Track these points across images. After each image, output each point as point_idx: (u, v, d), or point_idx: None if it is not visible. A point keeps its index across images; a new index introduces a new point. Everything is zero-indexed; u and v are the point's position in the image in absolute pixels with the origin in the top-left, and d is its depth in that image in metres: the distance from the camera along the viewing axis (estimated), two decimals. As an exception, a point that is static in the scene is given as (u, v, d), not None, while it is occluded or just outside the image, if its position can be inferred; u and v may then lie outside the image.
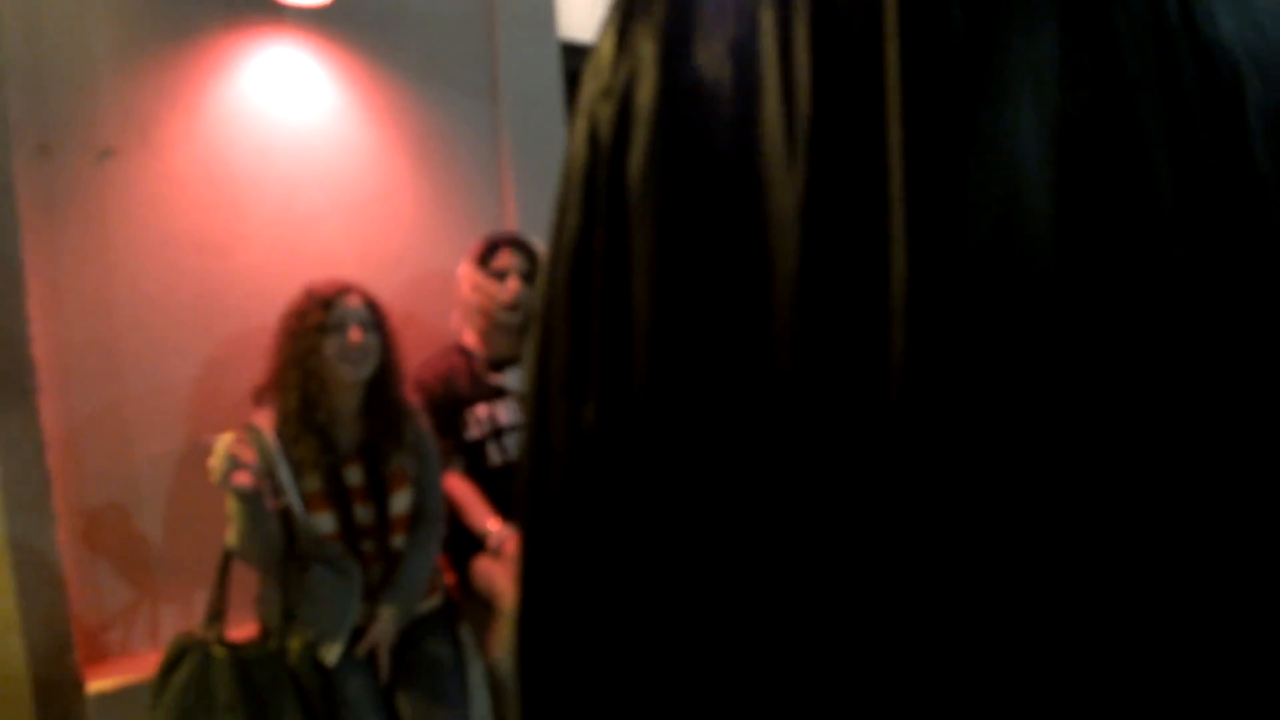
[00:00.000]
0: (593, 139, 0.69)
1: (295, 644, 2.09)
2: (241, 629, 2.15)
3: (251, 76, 2.51)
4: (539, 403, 0.70)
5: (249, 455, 1.95)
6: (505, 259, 2.54)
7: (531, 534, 0.72)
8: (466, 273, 2.57)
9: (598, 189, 0.66)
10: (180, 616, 2.43)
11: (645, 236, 0.63)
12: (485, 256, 2.54)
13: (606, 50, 0.69)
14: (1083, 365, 0.53)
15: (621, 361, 0.65)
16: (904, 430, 0.53)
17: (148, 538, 2.40)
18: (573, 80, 3.27)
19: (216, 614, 2.13)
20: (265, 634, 2.16)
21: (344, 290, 2.21)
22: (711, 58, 0.64)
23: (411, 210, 2.79)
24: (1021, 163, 0.55)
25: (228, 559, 2.12)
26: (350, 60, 2.68)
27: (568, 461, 0.68)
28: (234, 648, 2.06)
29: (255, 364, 2.46)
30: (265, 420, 2.16)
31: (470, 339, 2.64)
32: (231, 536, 2.04)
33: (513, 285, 2.53)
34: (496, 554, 2.41)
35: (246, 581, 2.21)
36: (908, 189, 0.55)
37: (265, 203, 2.53)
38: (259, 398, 2.22)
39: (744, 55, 0.62)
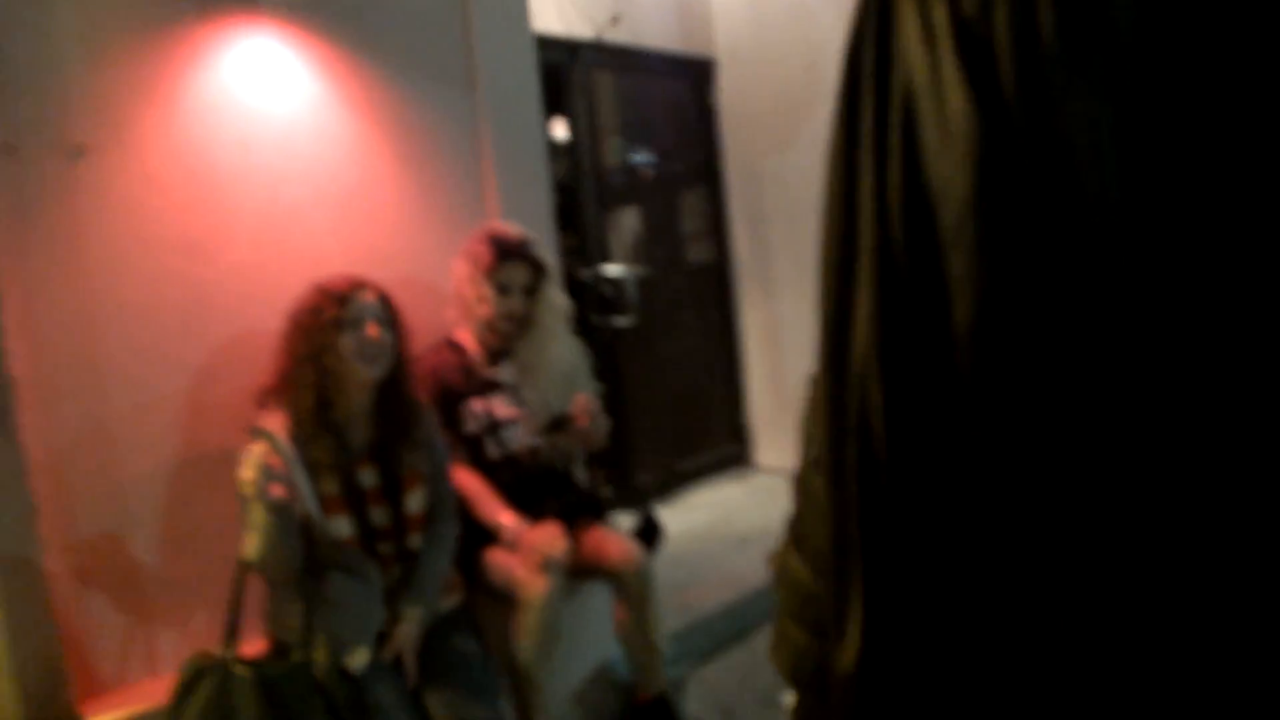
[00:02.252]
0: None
1: (320, 655, 2.00)
2: (247, 645, 2.04)
3: (228, 68, 2.40)
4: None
5: (281, 465, 1.86)
6: (511, 273, 2.51)
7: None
8: (467, 274, 2.51)
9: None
10: (179, 640, 2.30)
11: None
12: (493, 268, 2.48)
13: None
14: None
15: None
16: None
17: (141, 560, 2.26)
18: (545, 72, 3.23)
19: (233, 631, 2.03)
20: (283, 648, 2.07)
21: (359, 285, 2.13)
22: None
23: (395, 203, 2.71)
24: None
25: (243, 574, 2.01)
26: (327, 50, 2.58)
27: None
28: (256, 665, 1.96)
29: (247, 369, 2.35)
30: (275, 423, 2.06)
31: (464, 335, 2.59)
32: (253, 549, 1.93)
33: (517, 301, 2.53)
34: (513, 546, 2.36)
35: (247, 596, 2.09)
36: None
37: (248, 199, 2.42)
38: (264, 399, 2.12)
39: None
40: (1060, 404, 0.68)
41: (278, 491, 1.85)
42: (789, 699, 1.75)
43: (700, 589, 3.38)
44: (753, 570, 3.53)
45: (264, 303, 2.42)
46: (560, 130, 4.22)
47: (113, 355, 2.23)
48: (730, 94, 4.97)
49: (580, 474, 2.80)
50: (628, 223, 4.75)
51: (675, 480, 4.60)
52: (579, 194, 4.26)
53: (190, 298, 2.33)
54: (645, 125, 4.87)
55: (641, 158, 4.86)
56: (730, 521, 4.17)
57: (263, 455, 1.85)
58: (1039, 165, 0.67)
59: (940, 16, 0.70)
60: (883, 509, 0.73)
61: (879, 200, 0.75)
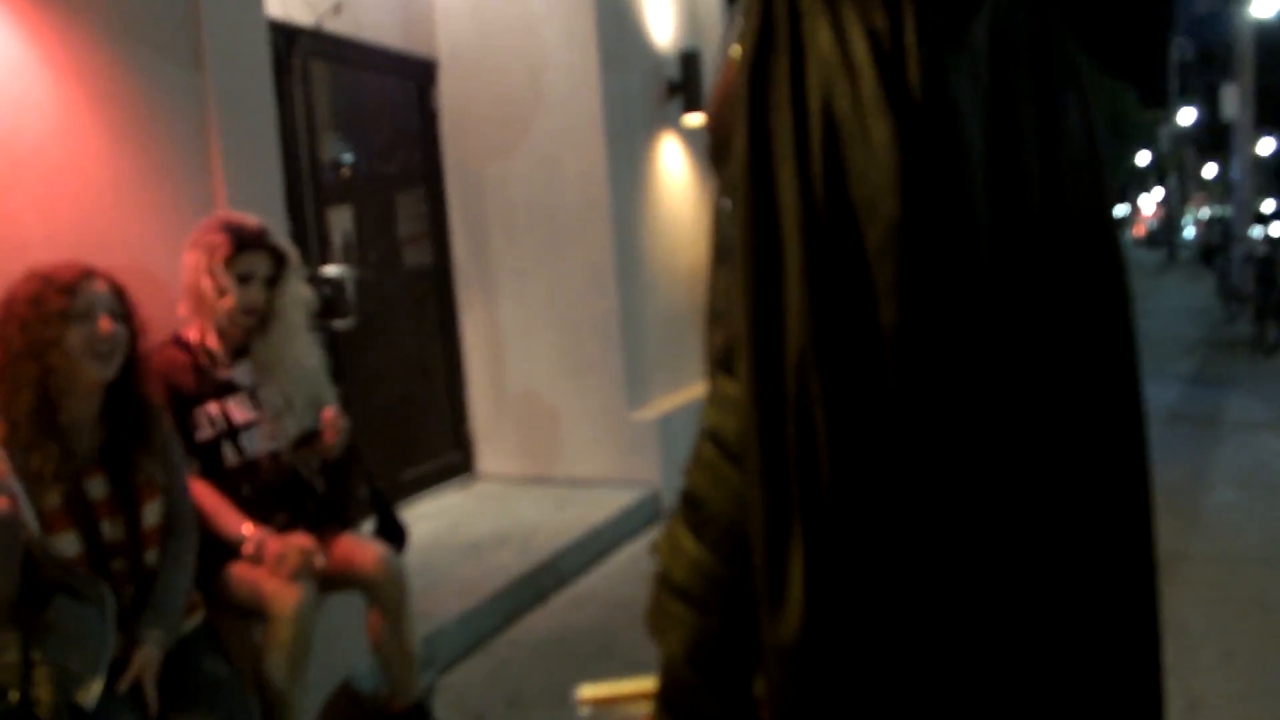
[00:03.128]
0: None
1: (43, 693, 1.75)
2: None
3: (-94, 14, 2.04)
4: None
5: (4, 474, 1.62)
6: (252, 262, 2.34)
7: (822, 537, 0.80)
8: (204, 266, 2.30)
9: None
10: None
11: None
12: (231, 257, 2.30)
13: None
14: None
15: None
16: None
17: None
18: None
19: (-70, 673, 1.73)
20: (-3, 688, 1.79)
21: (87, 274, 1.90)
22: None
23: (109, 185, 2.43)
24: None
25: (-56, 602, 1.72)
26: (28, 5, 2.27)
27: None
28: (-41, 711, 1.69)
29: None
30: (-16, 427, 1.79)
31: (194, 333, 2.38)
32: (-40, 572, 1.66)
33: (259, 291, 2.37)
34: (257, 559, 2.20)
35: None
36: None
37: (-70, 169, 2.07)
38: (-35, 402, 1.83)
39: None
40: (968, 389, 0.78)
41: (2, 504, 1.61)
42: (584, 693, 1.77)
43: (436, 597, 3.31)
44: (487, 577, 3.52)
45: (-50, 290, 2.08)
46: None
47: None
48: (451, 96, 4.92)
49: (318, 480, 2.65)
50: (342, 223, 4.56)
51: (398, 490, 4.46)
52: (297, 190, 4.03)
53: None
54: (363, 122, 4.71)
55: (358, 156, 4.69)
56: (458, 530, 4.13)
57: None
58: (951, 187, 0.77)
59: (855, 33, 0.77)
60: (822, 486, 0.79)
61: (806, 213, 0.81)
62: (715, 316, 0.97)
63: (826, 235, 0.79)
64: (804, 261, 0.79)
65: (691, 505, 0.96)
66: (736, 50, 0.88)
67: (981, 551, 0.79)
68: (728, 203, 0.88)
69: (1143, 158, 35.61)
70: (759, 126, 0.84)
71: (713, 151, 0.97)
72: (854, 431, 0.79)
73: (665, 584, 0.97)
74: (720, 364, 0.94)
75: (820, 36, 0.79)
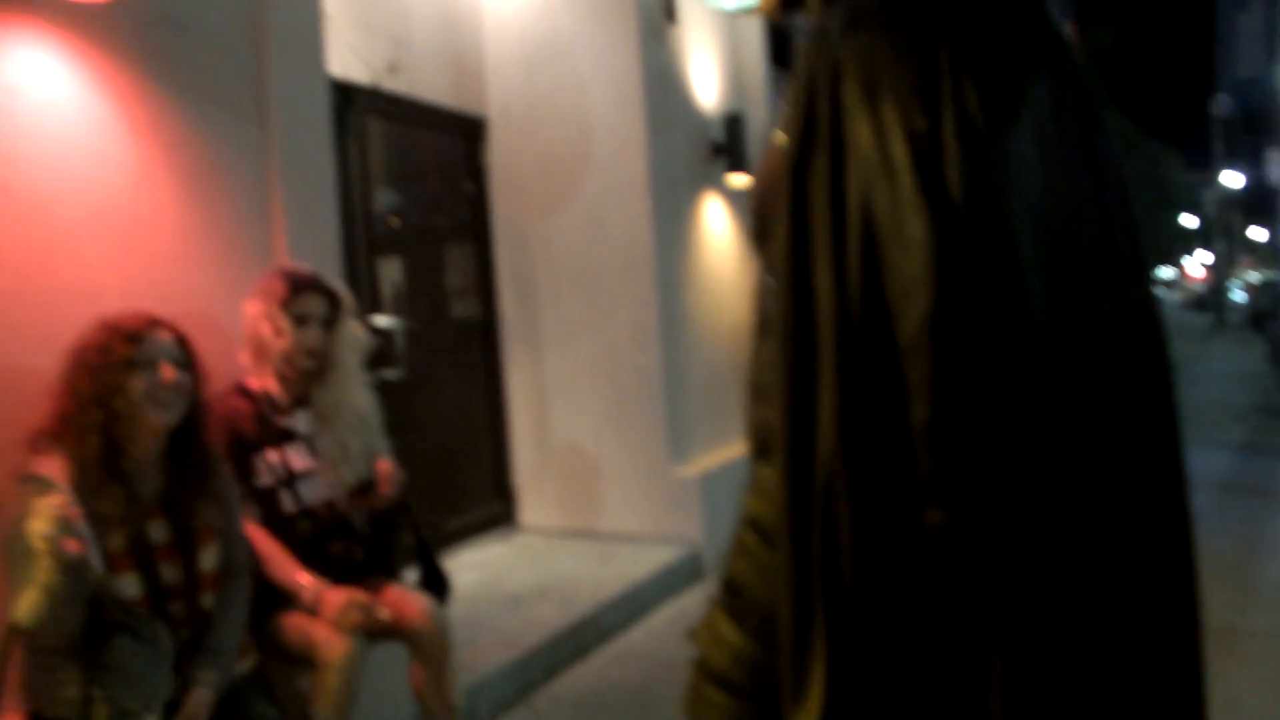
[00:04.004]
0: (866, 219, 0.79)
1: (100, 730, 1.78)
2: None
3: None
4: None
5: (78, 518, 1.66)
6: (308, 304, 2.41)
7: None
8: (263, 312, 2.37)
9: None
10: (-104, 724, 1.95)
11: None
12: (289, 300, 2.37)
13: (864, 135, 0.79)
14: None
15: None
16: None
17: None
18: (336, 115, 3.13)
19: (-9, 708, 1.77)
20: (53, 724, 1.82)
21: (153, 323, 1.96)
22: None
23: (178, 236, 2.51)
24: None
25: (12, 640, 1.76)
26: (110, 66, 2.37)
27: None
28: (20, 746, 1.72)
29: (1, 408, 2.08)
30: (54, 469, 1.83)
31: (257, 380, 2.44)
32: (30, 612, 1.69)
33: (316, 332, 2.43)
34: (313, 609, 2.22)
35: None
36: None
37: (13, 220, 2.16)
38: (37, 444, 1.88)
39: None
40: (1008, 494, 0.78)
41: (73, 548, 1.65)
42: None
43: (479, 649, 3.31)
44: (529, 630, 3.51)
45: (25, 337, 2.16)
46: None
47: None
48: (500, 153, 5.03)
49: (367, 530, 2.68)
50: (392, 274, 4.65)
51: (440, 539, 4.48)
52: (350, 241, 4.12)
53: (-65, 326, 2.03)
54: (414, 176, 4.83)
55: (409, 209, 4.79)
56: (500, 581, 4.13)
57: (59, 507, 1.64)
58: (991, 281, 0.78)
59: (895, 134, 0.79)
60: (844, 580, 0.80)
61: (839, 302, 0.82)
62: (757, 390, 0.99)
63: (859, 333, 0.81)
64: (836, 359, 0.81)
65: (732, 592, 0.97)
66: (781, 138, 0.90)
67: (1011, 647, 0.78)
68: (772, 280, 0.90)
69: (1189, 221, 35.32)
70: (799, 221, 0.86)
71: (758, 230, 0.99)
72: (878, 527, 0.80)
73: (704, 670, 0.98)
74: (759, 452, 0.95)
75: (861, 135, 0.81)
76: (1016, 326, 0.78)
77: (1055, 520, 0.81)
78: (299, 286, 2.40)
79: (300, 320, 2.39)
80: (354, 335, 2.53)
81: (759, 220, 1.00)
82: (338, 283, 2.54)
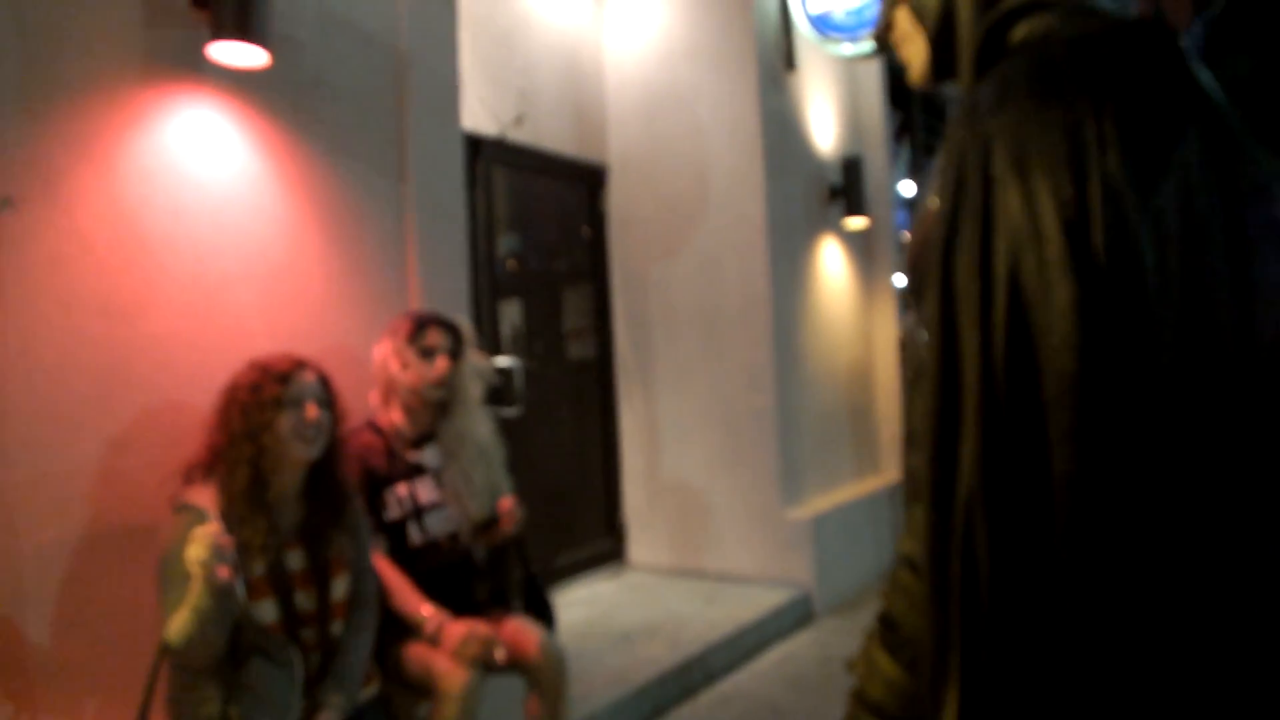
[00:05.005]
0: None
1: (237, 746, 1.91)
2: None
3: (168, 134, 2.36)
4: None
5: (230, 546, 1.80)
6: (434, 337, 2.54)
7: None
8: (393, 349, 2.52)
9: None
10: (61, 729, 2.12)
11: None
12: (414, 334, 2.51)
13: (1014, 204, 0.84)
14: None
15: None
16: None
17: (31, 641, 2.09)
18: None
19: None
20: (194, 739, 1.95)
21: (299, 365, 2.11)
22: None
23: (321, 283, 2.69)
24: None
25: (162, 658, 1.91)
26: (266, 126, 2.58)
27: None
28: (168, 757, 1.85)
29: (161, 442, 2.27)
30: (206, 499, 1.99)
31: (387, 417, 2.58)
32: (181, 632, 1.84)
33: (442, 364, 2.53)
34: (435, 640, 2.32)
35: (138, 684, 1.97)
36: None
37: (176, 267, 2.36)
38: (191, 475, 2.04)
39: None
40: (1147, 553, 0.81)
41: (225, 574, 1.78)
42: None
43: (589, 685, 3.37)
44: (637, 668, 3.55)
45: (184, 375, 2.35)
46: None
47: (19, 417, 2.10)
48: (620, 199, 5.16)
49: (485, 564, 2.78)
50: (511, 316, 4.81)
51: (551, 575, 4.58)
52: (474, 285, 4.30)
53: (107, 363, 2.23)
54: (536, 222, 5.00)
55: (530, 253, 4.96)
56: (610, 618, 4.19)
57: (214, 534, 1.78)
58: (1131, 342, 0.81)
59: (1044, 202, 0.83)
60: (981, 622, 0.84)
61: (984, 360, 0.87)
62: (911, 438, 1.03)
63: (1002, 387, 0.85)
64: (979, 409, 0.85)
65: (888, 627, 1.01)
66: (934, 203, 0.95)
67: (1145, 704, 0.81)
68: (924, 334, 0.95)
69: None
70: (948, 285, 0.91)
71: (912, 288, 1.04)
72: (1016, 572, 0.83)
73: (861, 700, 1.03)
74: (913, 494, 1.00)
75: (1011, 204, 0.85)
76: (1150, 384, 0.83)
77: (1188, 569, 0.84)
78: (423, 322, 2.54)
79: (425, 353, 2.52)
80: (476, 366, 2.65)
81: (913, 277, 1.05)
82: (459, 317, 2.66)
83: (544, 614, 2.75)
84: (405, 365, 2.50)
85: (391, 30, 2.94)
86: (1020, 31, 1.00)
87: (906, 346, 1.06)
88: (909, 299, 1.05)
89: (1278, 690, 0.82)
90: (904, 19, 1.16)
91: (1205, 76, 0.91)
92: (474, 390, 2.62)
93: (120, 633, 2.17)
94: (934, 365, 0.88)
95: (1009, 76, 0.91)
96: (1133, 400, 0.79)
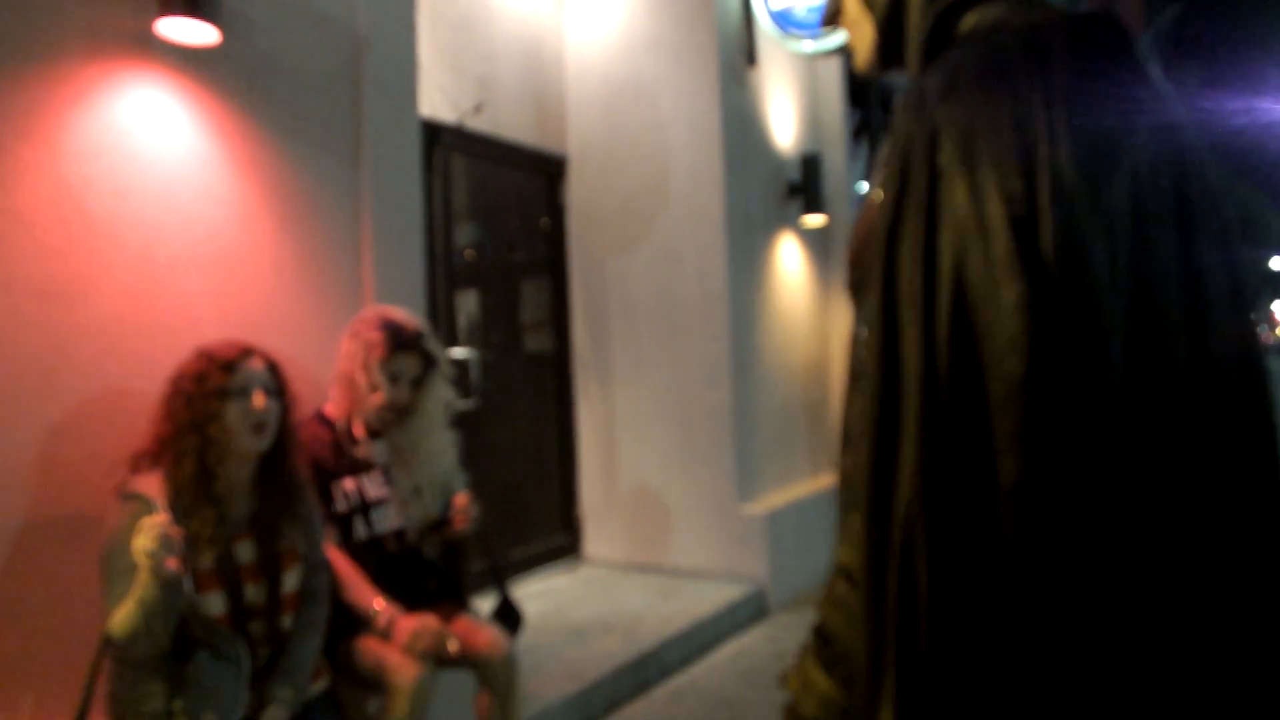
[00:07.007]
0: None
1: (180, 742, 1.85)
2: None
3: (114, 112, 2.29)
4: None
5: (179, 537, 1.74)
6: (404, 363, 2.48)
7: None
8: (360, 360, 2.44)
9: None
10: (-5, 726, 2.05)
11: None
12: (387, 358, 2.45)
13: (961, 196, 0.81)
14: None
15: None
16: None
17: (-38, 632, 2.02)
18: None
19: (83, 716, 1.86)
20: (135, 735, 1.89)
21: (246, 352, 2.05)
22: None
23: (272, 268, 2.62)
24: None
25: (105, 651, 1.85)
26: (217, 107, 2.51)
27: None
28: (107, 754, 1.79)
29: (104, 429, 2.21)
30: (153, 488, 1.93)
31: (337, 410, 2.52)
32: (125, 625, 1.78)
33: (404, 392, 2.50)
34: (386, 634, 2.28)
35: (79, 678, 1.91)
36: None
37: (121, 249, 2.29)
38: (137, 464, 1.98)
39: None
40: (1094, 554, 0.79)
41: (173, 566, 1.73)
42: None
43: (542, 679, 3.34)
44: (592, 663, 3.53)
45: (128, 361, 2.28)
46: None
47: (-47, 405, 2.02)
48: (579, 191, 5.13)
49: (439, 559, 2.74)
50: (468, 306, 4.76)
51: (505, 569, 4.54)
52: (430, 275, 4.24)
53: (47, 346, 2.15)
54: (494, 212, 4.94)
55: (487, 244, 4.91)
56: (564, 612, 4.16)
57: (162, 525, 1.72)
58: (1079, 344, 0.79)
59: (991, 196, 0.81)
60: (918, 640, 0.81)
61: (927, 361, 0.84)
62: (848, 439, 1.00)
63: (945, 389, 0.82)
64: (920, 412, 0.82)
65: (824, 641, 0.98)
66: (878, 195, 0.92)
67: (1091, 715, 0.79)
68: (864, 331, 0.92)
69: (1277, 262, 34.03)
70: (890, 280, 0.88)
71: (853, 283, 1.01)
72: (956, 588, 0.81)
73: (794, 716, 0.99)
74: (849, 500, 0.97)
75: (957, 197, 0.83)
76: (1100, 387, 0.80)
77: (1141, 579, 0.82)
78: (400, 345, 2.46)
79: (394, 378, 2.46)
80: (442, 394, 2.57)
81: (854, 272, 1.02)
82: (435, 343, 2.58)
83: (511, 614, 2.71)
84: (374, 386, 2.43)
85: (349, 11, 2.88)
86: (970, 20, 0.98)
87: (849, 345, 1.04)
88: (850, 295, 1.02)
89: (1224, 704, 0.80)
90: (853, 3, 1.14)
91: (1157, 75, 0.90)
92: (436, 412, 2.56)
93: (60, 625, 2.10)
94: (874, 365, 0.84)
95: (958, 65, 0.88)
96: (1081, 405, 0.77)
